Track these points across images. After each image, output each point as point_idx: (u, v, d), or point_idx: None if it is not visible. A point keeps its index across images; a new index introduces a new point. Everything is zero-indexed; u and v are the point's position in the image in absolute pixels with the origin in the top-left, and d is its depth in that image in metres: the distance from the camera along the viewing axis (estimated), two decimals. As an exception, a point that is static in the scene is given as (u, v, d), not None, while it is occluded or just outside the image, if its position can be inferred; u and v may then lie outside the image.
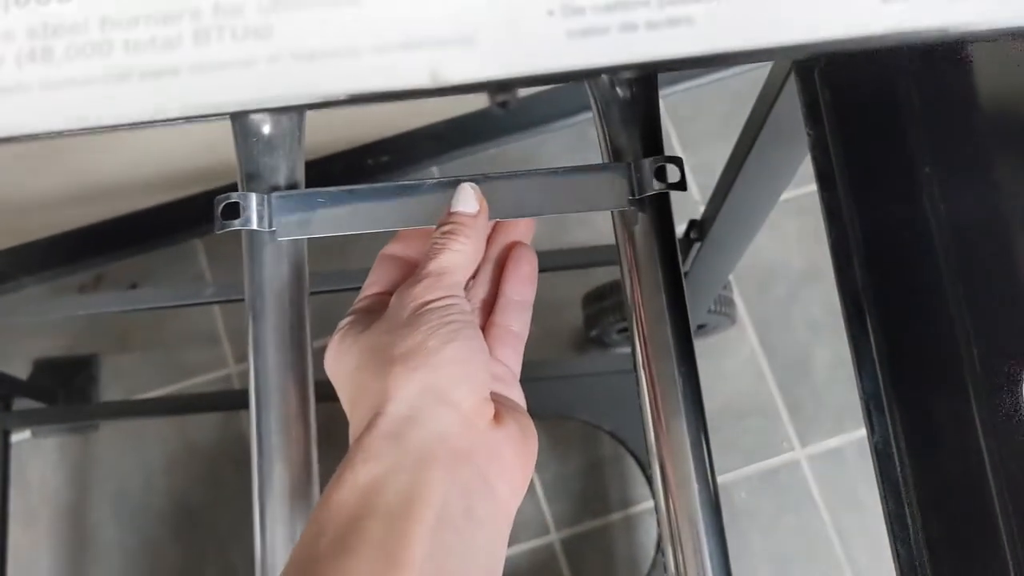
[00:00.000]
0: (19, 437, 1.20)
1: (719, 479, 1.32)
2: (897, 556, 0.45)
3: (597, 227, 1.31)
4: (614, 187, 0.40)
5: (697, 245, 0.78)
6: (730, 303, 1.13)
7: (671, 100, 1.35)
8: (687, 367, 0.39)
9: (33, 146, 0.96)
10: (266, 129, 0.41)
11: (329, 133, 1.17)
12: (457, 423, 0.34)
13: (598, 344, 1.19)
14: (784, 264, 1.29)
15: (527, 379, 1.15)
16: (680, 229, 0.82)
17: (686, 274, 0.84)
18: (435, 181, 0.41)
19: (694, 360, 0.41)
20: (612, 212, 0.42)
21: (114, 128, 0.39)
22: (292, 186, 0.41)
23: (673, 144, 1.34)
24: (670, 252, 0.41)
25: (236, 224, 0.39)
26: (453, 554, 0.32)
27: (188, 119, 0.38)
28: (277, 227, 0.39)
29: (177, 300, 0.78)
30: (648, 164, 0.39)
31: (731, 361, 1.26)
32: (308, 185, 0.41)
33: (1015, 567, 0.41)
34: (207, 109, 0.38)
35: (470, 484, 0.34)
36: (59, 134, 0.39)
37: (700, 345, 1.23)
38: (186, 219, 1.23)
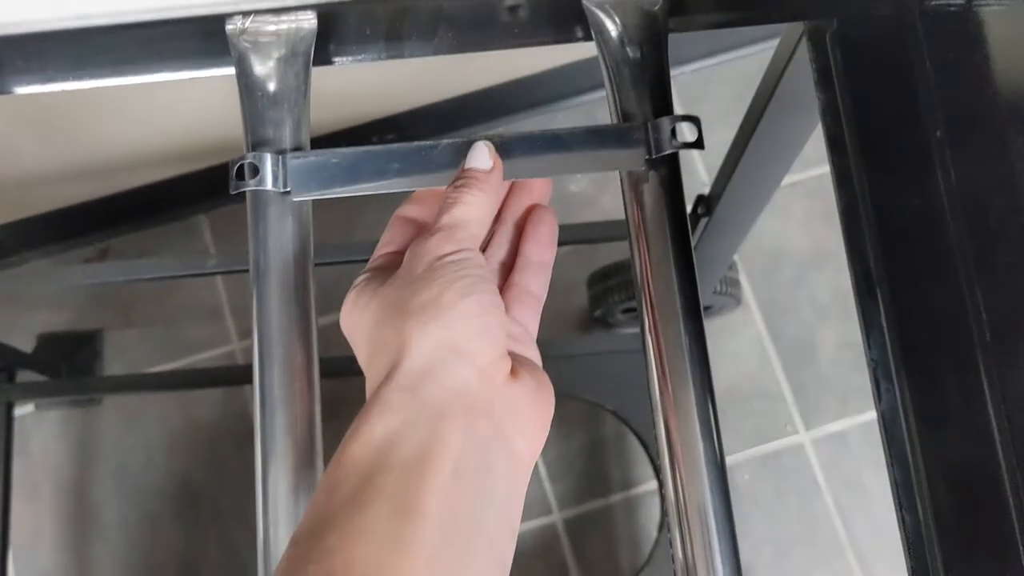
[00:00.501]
0: (22, 411, 1.20)
1: (723, 459, 1.29)
2: (903, 524, 0.44)
3: (603, 208, 1.30)
4: (630, 147, 0.39)
5: (704, 221, 0.78)
6: (736, 284, 1.13)
7: (679, 81, 1.34)
8: (694, 327, 0.39)
9: (39, 117, 0.96)
10: (271, 86, 0.41)
11: (333, 111, 1.16)
12: (474, 377, 0.34)
13: (603, 324, 1.19)
14: (791, 247, 1.29)
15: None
16: (687, 207, 0.81)
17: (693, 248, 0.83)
18: (450, 142, 0.40)
19: (701, 322, 0.41)
20: (621, 175, 0.41)
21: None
22: (298, 147, 0.41)
23: (680, 125, 1.33)
24: (679, 215, 0.41)
25: (251, 184, 0.38)
26: (470, 506, 0.32)
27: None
28: (292, 187, 0.39)
29: (181, 271, 0.78)
30: (666, 123, 0.39)
31: (737, 343, 1.26)
32: None
33: (1022, 536, 0.41)
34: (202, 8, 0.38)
35: (487, 438, 0.33)
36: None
37: (706, 327, 1.23)
38: (190, 194, 1.23)
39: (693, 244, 0.85)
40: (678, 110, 1.31)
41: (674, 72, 1.34)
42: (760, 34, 1.28)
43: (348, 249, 0.75)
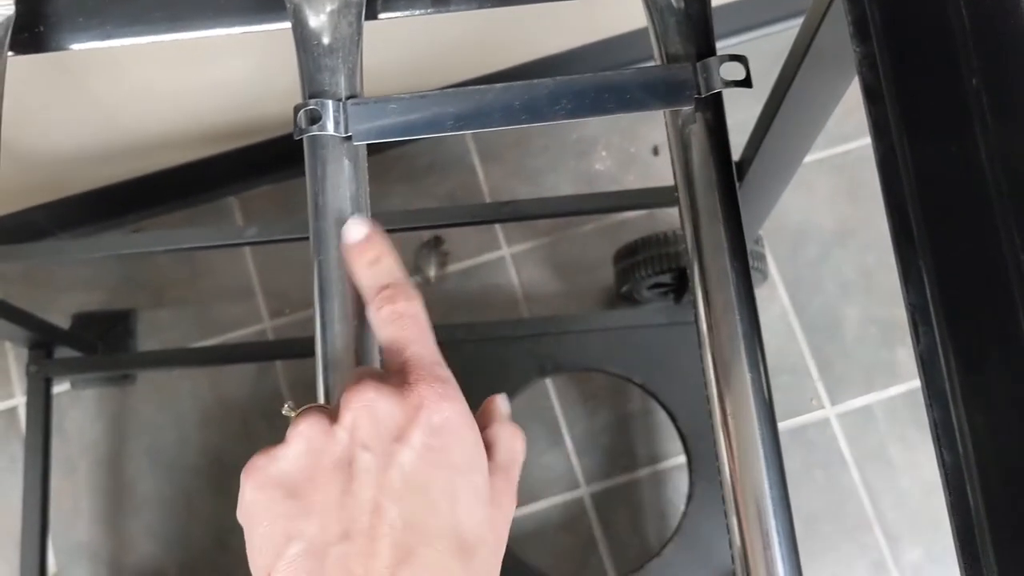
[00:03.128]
0: (59, 388, 1.22)
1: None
2: (943, 462, 0.45)
3: (628, 186, 1.31)
4: (679, 87, 0.40)
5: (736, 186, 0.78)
6: (762, 259, 1.14)
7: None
8: (740, 264, 0.40)
9: (72, 96, 0.98)
10: (326, 38, 0.42)
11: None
12: None
13: (629, 301, 1.19)
14: (816, 224, 1.29)
15: (558, 333, 1.16)
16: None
17: (722, 219, 0.84)
18: (502, 86, 0.42)
19: (747, 259, 0.42)
20: (666, 119, 0.42)
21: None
22: (353, 95, 0.42)
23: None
24: (726, 157, 0.42)
25: (314, 130, 0.40)
26: None
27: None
28: (353, 133, 0.40)
29: (218, 240, 0.79)
30: (714, 62, 0.40)
31: (762, 319, 1.26)
32: None
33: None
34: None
35: None
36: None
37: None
38: (221, 175, 1.24)
39: (723, 213, 0.86)
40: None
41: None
42: (793, 8, 1.29)
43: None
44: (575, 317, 1.11)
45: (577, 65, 1.26)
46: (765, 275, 1.18)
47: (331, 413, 0.33)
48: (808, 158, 1.31)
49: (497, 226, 1.29)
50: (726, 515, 0.45)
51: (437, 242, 1.28)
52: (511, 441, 0.37)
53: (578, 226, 1.29)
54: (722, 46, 1.34)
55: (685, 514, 1.13)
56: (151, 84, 1.02)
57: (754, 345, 0.40)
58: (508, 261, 1.29)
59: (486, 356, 1.07)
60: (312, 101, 0.40)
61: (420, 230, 0.80)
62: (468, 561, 0.33)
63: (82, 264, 1.28)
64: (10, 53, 0.45)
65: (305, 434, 0.33)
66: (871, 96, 0.49)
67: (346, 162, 0.40)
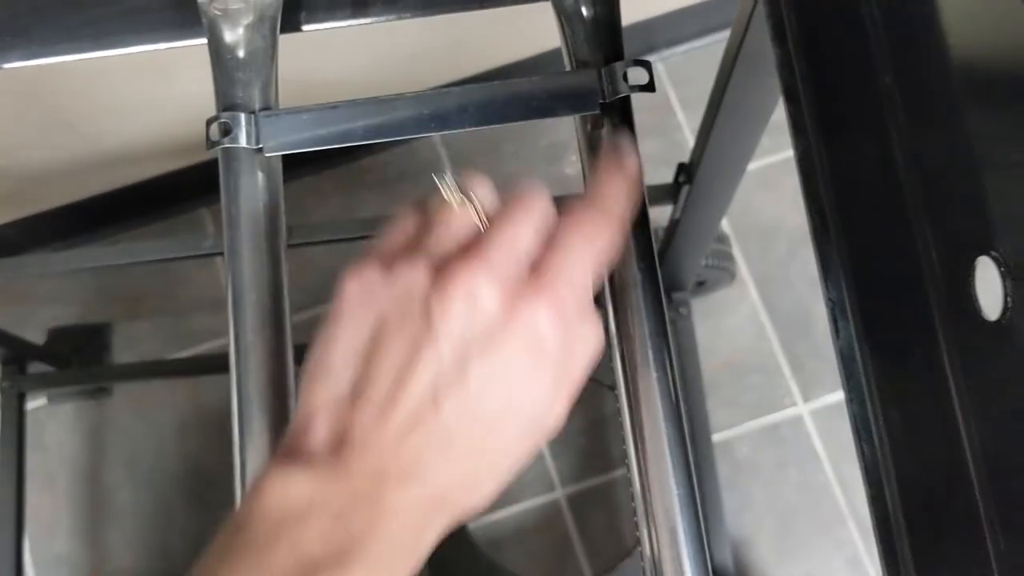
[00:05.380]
0: (35, 404, 1.23)
1: (721, 435, 1.34)
2: (862, 454, 0.46)
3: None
4: (585, 92, 0.41)
5: (686, 189, 0.79)
6: (728, 258, 1.14)
7: (670, 62, 1.36)
8: (647, 264, 0.41)
9: (40, 112, 0.99)
10: (240, 52, 0.43)
11: (328, 100, 1.18)
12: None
13: (598, 304, 1.20)
14: (784, 222, 1.30)
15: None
16: (670, 176, 0.83)
17: (677, 221, 0.85)
18: (412, 95, 0.42)
19: (654, 263, 0.42)
20: (576, 124, 0.43)
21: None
22: (267, 107, 0.43)
23: (672, 104, 1.35)
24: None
25: (226, 142, 0.41)
26: None
27: None
28: (264, 144, 0.41)
29: (181, 252, 0.80)
30: (619, 67, 0.41)
31: (732, 319, 1.27)
32: None
33: (973, 459, 0.42)
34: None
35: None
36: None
37: (701, 303, 1.25)
38: (193, 187, 1.25)
39: (677, 215, 0.87)
40: (669, 90, 1.33)
41: (665, 53, 1.35)
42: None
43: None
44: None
45: (548, 70, 1.27)
46: (733, 275, 1.19)
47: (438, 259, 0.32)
48: (776, 157, 1.32)
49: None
50: (637, 526, 0.45)
51: (410, 249, 1.29)
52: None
53: (549, 230, 1.29)
54: (686, 48, 1.35)
55: (658, 514, 1.14)
56: (118, 98, 1.03)
57: (661, 349, 0.41)
58: (481, 266, 1.29)
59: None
60: (224, 114, 0.40)
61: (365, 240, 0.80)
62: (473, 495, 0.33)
63: (56, 278, 1.28)
64: (-63, 73, 0.46)
65: (407, 273, 0.32)
66: (789, 96, 0.50)
67: (259, 174, 0.41)
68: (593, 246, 0.35)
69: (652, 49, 1.35)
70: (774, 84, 0.62)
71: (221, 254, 0.83)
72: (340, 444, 0.31)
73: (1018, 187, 0.37)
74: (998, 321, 0.39)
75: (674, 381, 0.41)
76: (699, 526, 0.40)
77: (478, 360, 0.31)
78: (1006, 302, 0.38)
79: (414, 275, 0.32)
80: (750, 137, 0.69)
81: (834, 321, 0.48)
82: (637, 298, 0.41)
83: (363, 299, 0.33)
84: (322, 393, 0.32)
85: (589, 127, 0.42)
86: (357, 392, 0.32)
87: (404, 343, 0.31)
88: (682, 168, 0.79)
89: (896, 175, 0.46)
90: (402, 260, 0.33)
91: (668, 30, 1.33)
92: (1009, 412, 0.39)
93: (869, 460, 0.45)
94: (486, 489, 0.34)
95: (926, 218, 0.45)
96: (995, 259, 0.38)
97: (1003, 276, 0.38)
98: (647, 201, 0.48)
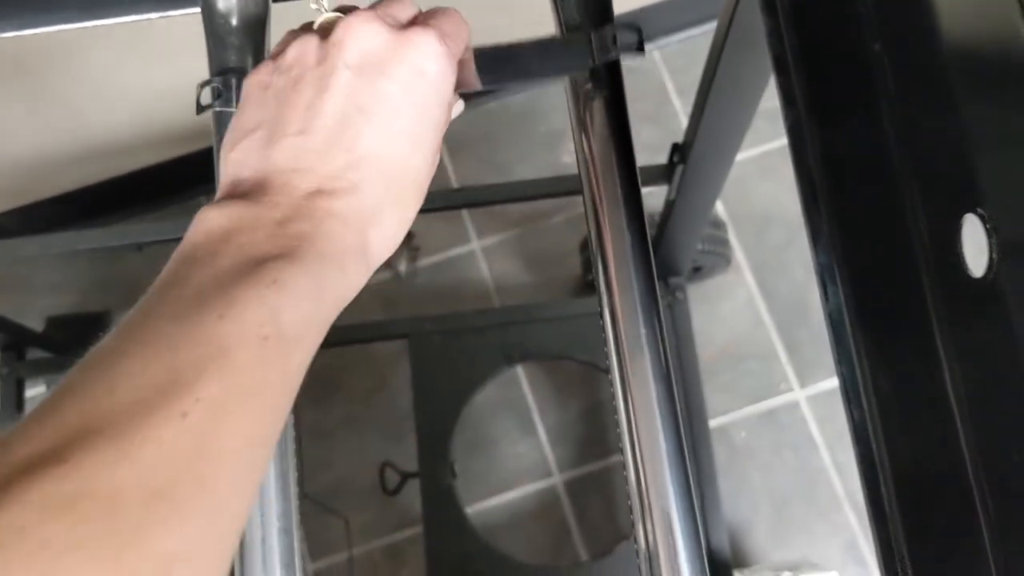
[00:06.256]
0: (34, 391, 1.23)
1: (718, 421, 1.34)
2: (851, 417, 0.46)
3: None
4: (575, 55, 0.41)
5: (680, 168, 0.80)
6: (724, 243, 1.15)
7: (667, 51, 1.36)
8: (639, 245, 0.41)
9: (35, 99, 0.99)
10: (233, 19, 0.43)
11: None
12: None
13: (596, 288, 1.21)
14: (781, 209, 1.31)
15: (525, 322, 1.17)
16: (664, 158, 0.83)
17: (672, 201, 0.85)
18: None
19: (647, 241, 0.43)
20: (567, 88, 0.43)
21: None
22: None
23: (669, 92, 1.35)
24: (623, 122, 0.43)
25: (217, 105, 0.41)
26: None
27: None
28: None
29: (178, 233, 0.80)
30: (608, 30, 0.41)
31: (729, 305, 1.27)
32: None
33: (961, 417, 0.43)
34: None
35: None
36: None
37: (698, 289, 1.25)
38: (191, 175, 1.25)
39: (672, 195, 0.87)
40: (666, 77, 1.33)
41: (662, 41, 1.36)
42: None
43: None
44: (541, 306, 1.12)
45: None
46: (729, 260, 1.19)
47: (326, 32, 0.36)
48: (772, 145, 1.33)
49: (467, 220, 1.30)
50: (631, 513, 0.46)
51: (408, 237, 1.29)
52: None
53: (547, 218, 1.30)
54: (683, 36, 1.36)
55: (655, 498, 1.14)
56: (112, 85, 1.03)
57: (654, 329, 0.41)
58: (478, 254, 1.30)
59: (455, 347, 1.08)
60: (216, 79, 0.41)
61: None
62: (402, 193, 0.35)
63: (54, 268, 1.29)
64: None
65: (297, 47, 0.36)
66: (779, 67, 0.50)
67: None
68: (457, 24, 0.38)
69: (649, 38, 1.35)
70: (766, 58, 0.62)
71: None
72: (269, 177, 0.34)
73: (1003, 145, 0.38)
74: (983, 277, 0.39)
75: (666, 361, 0.41)
76: (692, 505, 0.40)
77: (380, 80, 0.34)
78: (991, 258, 0.38)
79: (305, 45, 0.35)
80: (743, 114, 0.70)
81: (823, 286, 0.48)
82: (629, 278, 0.41)
83: (262, 83, 0.36)
84: (240, 150, 0.35)
85: (580, 93, 0.43)
86: (273, 136, 0.34)
87: (310, 84, 0.35)
88: (676, 148, 0.79)
89: (884, 141, 0.47)
90: (290, 47, 0.36)
91: (664, 19, 1.33)
92: (995, 367, 0.40)
93: (858, 422, 0.46)
94: (403, 213, 0.36)
95: (914, 182, 0.46)
96: (981, 216, 0.39)
97: (988, 233, 0.38)
98: (639, 181, 0.48)
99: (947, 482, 0.43)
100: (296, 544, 0.43)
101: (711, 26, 1.33)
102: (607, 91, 0.42)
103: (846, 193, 0.48)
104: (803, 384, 1.25)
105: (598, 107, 0.43)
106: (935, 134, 0.45)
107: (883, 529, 0.45)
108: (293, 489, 0.45)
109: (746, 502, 1.20)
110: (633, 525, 0.46)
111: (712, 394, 1.22)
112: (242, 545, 0.44)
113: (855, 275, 0.47)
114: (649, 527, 0.45)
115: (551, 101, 1.34)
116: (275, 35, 0.45)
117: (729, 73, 0.64)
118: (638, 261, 0.43)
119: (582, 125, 0.43)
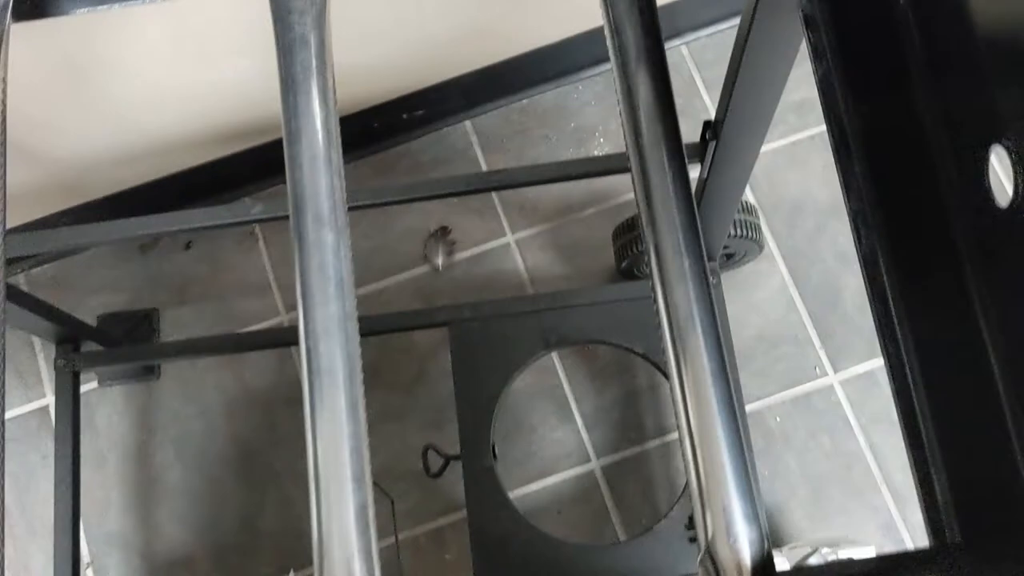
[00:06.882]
0: (87, 387, 1.27)
1: (753, 406, 1.36)
2: (886, 353, 0.49)
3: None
4: None
5: (713, 146, 0.82)
6: (757, 228, 1.17)
7: (695, 45, 1.39)
8: (690, 230, 0.44)
9: (84, 98, 1.04)
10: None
11: (361, 87, 1.23)
12: None
13: (629, 277, 1.23)
14: (812, 198, 1.32)
15: (560, 308, 1.19)
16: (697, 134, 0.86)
17: (705, 180, 0.88)
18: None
19: (697, 225, 0.45)
20: (614, 65, 0.46)
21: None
22: None
23: (698, 86, 1.38)
24: (667, 94, 0.46)
25: None
26: None
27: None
28: None
29: (228, 219, 0.84)
30: None
31: (762, 293, 1.29)
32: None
33: (993, 345, 0.45)
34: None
35: None
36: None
37: (731, 277, 1.27)
38: (235, 175, 1.30)
39: (704, 174, 0.90)
40: (695, 72, 1.36)
41: (689, 36, 1.38)
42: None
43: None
44: (576, 292, 1.15)
45: (570, 55, 1.31)
46: (761, 246, 1.21)
47: None
48: (802, 135, 1.35)
49: (502, 214, 1.34)
50: (687, 485, 0.47)
51: (444, 232, 1.33)
52: None
53: (579, 210, 1.33)
54: (712, 31, 1.38)
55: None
56: (160, 86, 1.07)
57: (707, 311, 0.44)
58: (513, 247, 1.33)
59: (491, 333, 1.11)
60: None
61: (415, 202, 0.84)
62: None
63: (107, 268, 1.33)
64: (12, 20, 0.50)
65: None
66: (809, 24, 0.53)
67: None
68: None
69: (677, 32, 1.38)
70: (795, 24, 0.65)
71: (267, 220, 0.88)
72: None
73: (1025, 78, 0.40)
74: (1010, 206, 0.41)
75: (718, 342, 0.44)
76: (750, 486, 0.42)
77: None
78: (1017, 187, 0.40)
79: None
80: (773, 86, 0.72)
81: (856, 231, 0.51)
82: (681, 265, 0.43)
83: None
84: None
85: (627, 70, 0.45)
86: None
87: None
88: (708, 125, 0.82)
89: (910, 85, 0.49)
90: None
91: (693, 13, 1.36)
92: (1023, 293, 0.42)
93: (893, 357, 0.48)
94: None
95: (941, 119, 0.48)
96: (1007, 147, 0.41)
97: (1014, 162, 0.41)
98: (684, 152, 0.51)
99: (981, 402, 0.45)
100: (371, 520, 0.46)
101: (738, 21, 1.36)
102: (652, 66, 0.45)
103: (875, 138, 0.50)
104: (837, 369, 1.26)
105: (644, 80, 0.46)
106: (961, 68, 0.47)
107: (919, 450, 0.47)
108: (367, 467, 0.48)
109: (782, 485, 1.21)
110: (689, 495, 0.47)
111: (747, 380, 1.23)
112: (319, 523, 0.46)
113: (887, 218, 0.49)
114: (707, 508, 0.47)
115: (581, 98, 1.37)
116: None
117: (760, 43, 0.66)
118: (685, 222, 0.45)
119: (629, 98, 0.45)
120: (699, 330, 0.50)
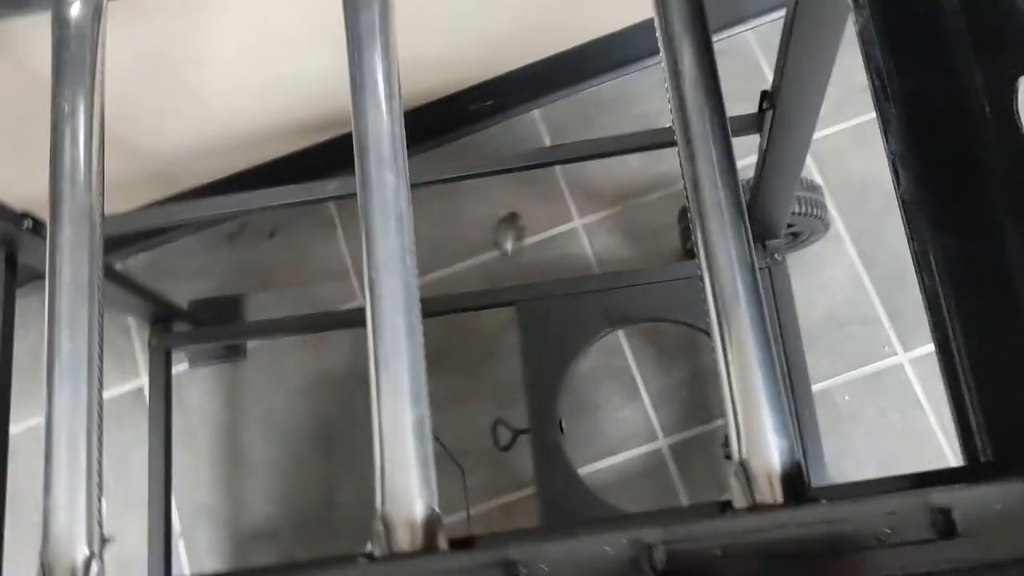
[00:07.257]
0: (178, 369, 1.35)
1: (821, 385, 1.37)
2: (923, 285, 0.51)
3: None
4: None
5: (770, 114, 0.84)
6: (822, 207, 1.18)
7: (761, 30, 1.40)
8: (735, 207, 0.47)
9: (170, 93, 1.11)
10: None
11: (429, 79, 1.28)
12: None
13: (694, 257, 1.25)
14: (877, 179, 1.32)
15: (624, 286, 1.22)
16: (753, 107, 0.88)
17: (765, 151, 0.90)
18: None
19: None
20: (659, 39, 0.50)
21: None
22: None
23: (764, 71, 1.39)
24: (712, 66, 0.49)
25: None
26: None
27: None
28: None
29: (306, 196, 0.90)
30: None
31: (830, 273, 1.30)
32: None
33: (1018, 276, 0.46)
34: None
35: None
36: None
37: (800, 258, 1.28)
38: (316, 166, 1.36)
39: (764, 144, 0.92)
40: (761, 57, 1.38)
41: (754, 22, 1.40)
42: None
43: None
44: (640, 271, 1.18)
45: (626, 47, 1.34)
46: (827, 224, 1.22)
47: None
48: (866, 117, 1.35)
49: (569, 199, 1.37)
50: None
51: (513, 218, 1.37)
52: None
53: (644, 195, 1.35)
54: (777, 16, 1.39)
55: (759, 457, 1.17)
56: (242, 77, 1.14)
57: (753, 287, 0.47)
58: (580, 231, 1.36)
59: (557, 312, 1.14)
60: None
61: (476, 177, 0.88)
62: None
63: (197, 255, 1.41)
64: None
65: None
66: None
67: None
68: None
69: (742, 18, 1.39)
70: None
71: (344, 197, 0.93)
72: None
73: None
74: (1036, 134, 0.43)
75: (763, 316, 0.46)
76: (779, 389, 0.44)
77: None
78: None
79: None
80: (826, 49, 0.74)
81: (895, 172, 0.53)
82: (727, 242, 0.46)
83: None
84: None
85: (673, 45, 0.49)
86: None
87: None
88: (765, 95, 0.84)
89: (944, 30, 0.51)
90: None
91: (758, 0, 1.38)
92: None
93: (929, 289, 0.50)
94: None
95: (974, 56, 0.50)
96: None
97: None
98: (730, 133, 0.54)
99: (1017, 339, 0.47)
100: (427, 433, 0.49)
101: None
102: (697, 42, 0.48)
103: (912, 83, 0.52)
104: (907, 348, 1.26)
105: (688, 53, 0.49)
106: (999, 25, 0.49)
107: (956, 388, 0.49)
108: (423, 388, 0.51)
109: (849, 463, 1.22)
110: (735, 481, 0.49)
111: (815, 359, 1.24)
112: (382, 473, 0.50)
113: (924, 158, 0.51)
114: (740, 419, 0.50)
115: (646, 83, 1.40)
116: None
117: (810, 4, 0.69)
118: (736, 233, 0.48)
119: (674, 73, 0.49)
120: (733, 258, 0.52)
